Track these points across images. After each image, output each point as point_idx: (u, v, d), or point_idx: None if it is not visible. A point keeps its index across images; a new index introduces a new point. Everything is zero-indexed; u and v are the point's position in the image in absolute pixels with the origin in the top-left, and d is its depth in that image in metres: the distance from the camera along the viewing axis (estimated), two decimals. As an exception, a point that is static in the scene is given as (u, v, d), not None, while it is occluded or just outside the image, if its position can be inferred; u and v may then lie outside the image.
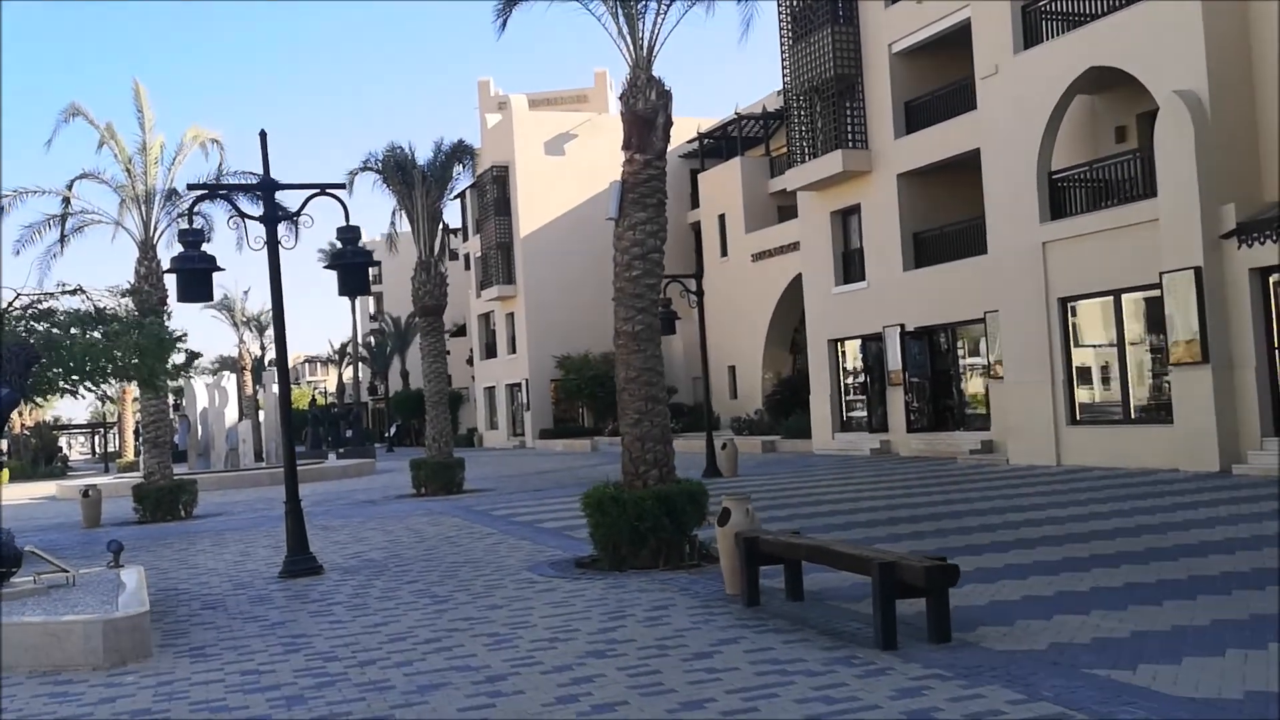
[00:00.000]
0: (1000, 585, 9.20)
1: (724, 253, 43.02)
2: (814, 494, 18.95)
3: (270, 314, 74.92)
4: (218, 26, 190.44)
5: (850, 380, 31.60)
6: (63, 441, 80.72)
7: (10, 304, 16.20)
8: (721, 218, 46.10)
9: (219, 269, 12.43)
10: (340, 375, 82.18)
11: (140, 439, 26.43)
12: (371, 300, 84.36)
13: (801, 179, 31.04)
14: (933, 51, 28.02)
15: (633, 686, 6.74)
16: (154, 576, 13.12)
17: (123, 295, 18.66)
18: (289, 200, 15.34)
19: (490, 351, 56.93)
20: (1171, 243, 18.28)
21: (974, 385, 27.37)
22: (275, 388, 41.05)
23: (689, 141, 51.46)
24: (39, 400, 21.60)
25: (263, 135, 12.91)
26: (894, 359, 28.42)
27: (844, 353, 31.70)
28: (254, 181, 12.86)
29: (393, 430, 69.27)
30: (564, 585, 10.74)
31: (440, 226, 26.19)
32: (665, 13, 11.88)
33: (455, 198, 28.96)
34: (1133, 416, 20.05)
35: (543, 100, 64.28)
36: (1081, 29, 20.71)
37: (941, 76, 27.83)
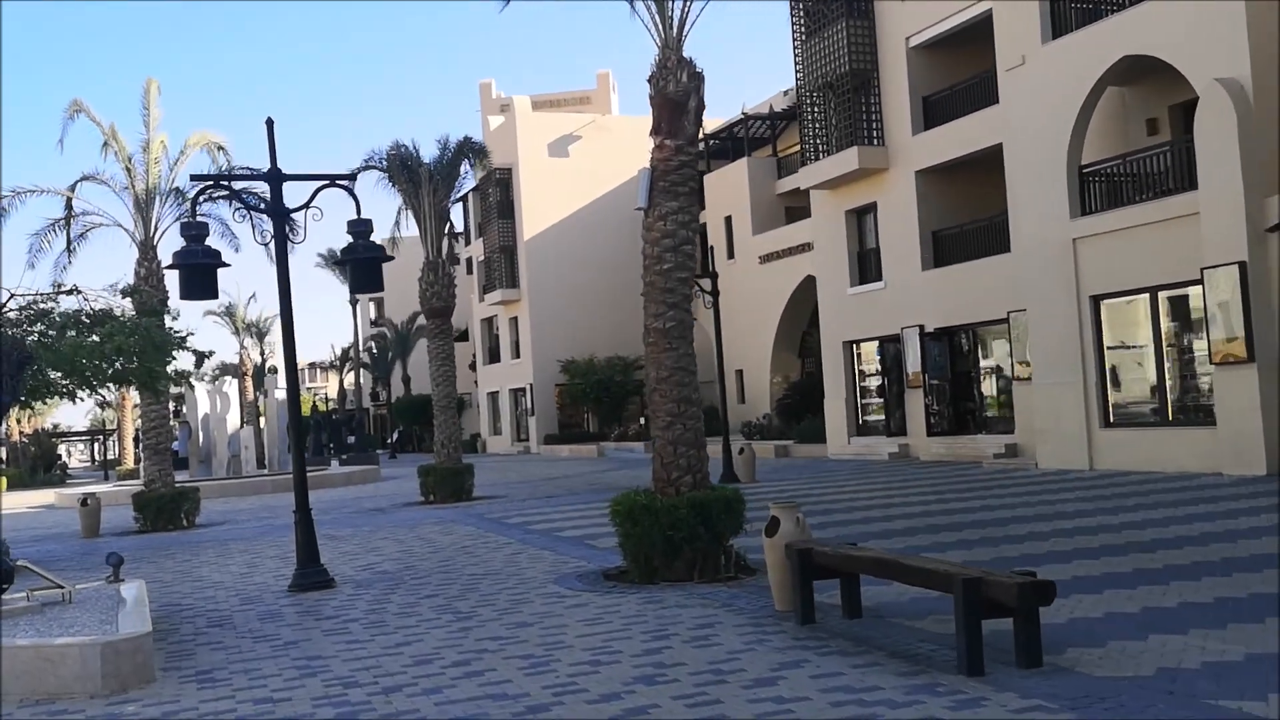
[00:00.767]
0: (1076, 600, 8.48)
1: (730, 255, 42.28)
2: (841, 500, 18.23)
3: (271, 319, 74.30)
4: (214, 30, 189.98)
5: (866, 383, 30.89)
6: (62, 449, 79.92)
7: (3, 305, 15.50)
8: (728, 219, 45.37)
9: (223, 264, 11.73)
10: (341, 381, 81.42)
11: (140, 446, 25.68)
12: (372, 305, 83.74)
13: (815, 177, 30.35)
14: (952, 45, 27.36)
15: None
16: (156, 591, 12.40)
17: (122, 295, 17.94)
18: (292, 198, 14.60)
19: (493, 356, 56.24)
20: (1213, 237, 17.58)
21: (996, 387, 26.67)
22: (279, 393, 40.37)
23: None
24: (34, 404, 20.89)
25: (269, 124, 12.21)
26: (913, 361, 27.72)
27: (860, 355, 31.00)
28: (260, 173, 12.08)
29: (395, 436, 68.50)
30: (595, 600, 10.02)
31: (447, 226, 25.50)
32: (698, -12, 11.18)
33: (460, 199, 28.26)
34: (1170, 418, 19.33)
35: (545, 102, 63.66)
36: (1114, 17, 20.03)
37: (961, 70, 27.16)
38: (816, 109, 30.47)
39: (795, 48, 30.82)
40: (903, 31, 27.83)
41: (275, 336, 77.41)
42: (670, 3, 11.15)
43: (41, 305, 16.70)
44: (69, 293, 16.83)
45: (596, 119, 54.00)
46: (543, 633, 8.69)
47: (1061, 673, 6.42)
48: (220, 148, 22.41)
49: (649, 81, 11.32)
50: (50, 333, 16.08)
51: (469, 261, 58.29)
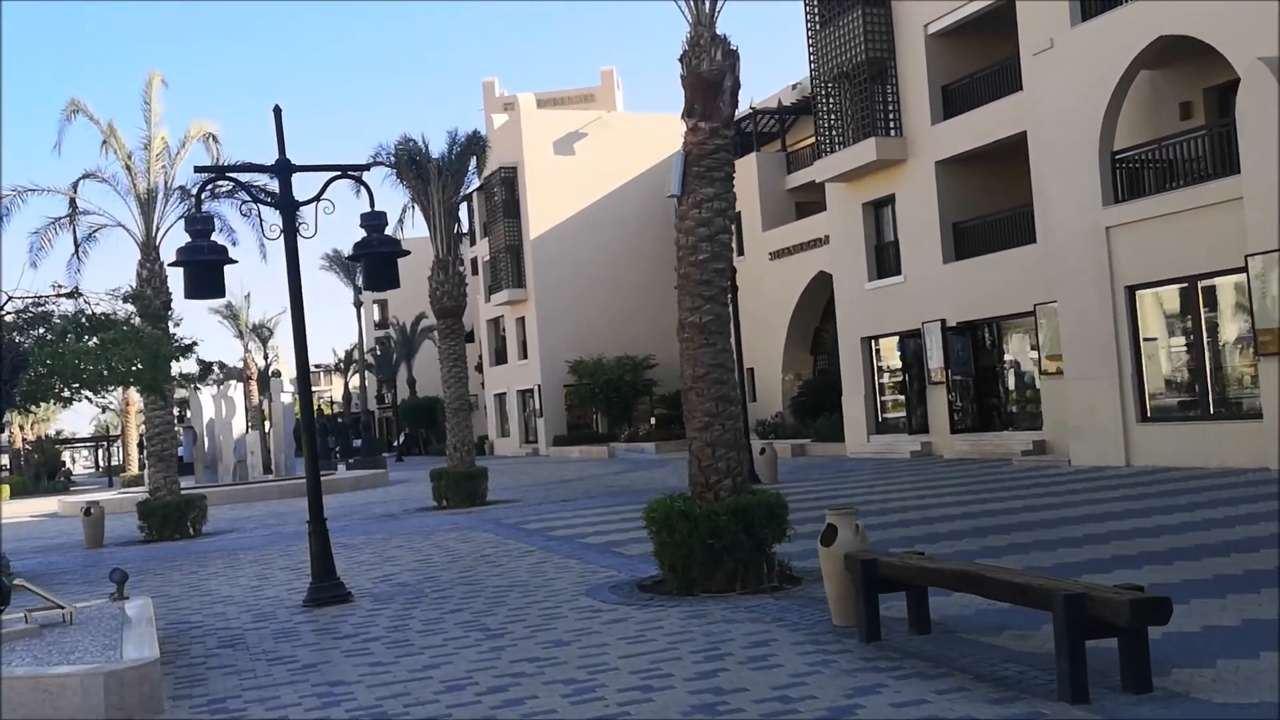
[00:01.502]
0: (1163, 611, 7.78)
1: (740, 251, 41.56)
2: (873, 502, 17.54)
3: (276, 318, 73.56)
4: (210, 29, 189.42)
5: (885, 379, 30.20)
6: (65, 456, 79.30)
7: (1, 307, 14.87)
8: (737, 215, 44.78)
9: (230, 261, 11.06)
10: (346, 384, 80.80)
11: (145, 452, 25.02)
12: (376, 307, 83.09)
13: (831, 169, 29.66)
14: (971, 31, 26.70)
15: (770, 757, 5.36)
16: (163, 607, 11.75)
17: (125, 299, 17.31)
18: (299, 193, 13.94)
19: (500, 357, 55.54)
20: (1258, 223, 16.88)
21: (1022, 382, 25.98)
22: (284, 397, 39.72)
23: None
24: (32, 408, 20.26)
25: (277, 112, 11.54)
26: (935, 356, 27.03)
27: (879, 351, 30.31)
28: (268, 164, 11.42)
29: (401, 439, 67.87)
30: (634, 614, 9.34)
31: (457, 223, 24.83)
32: (729, -36, 10.51)
33: (463, 199, 27.51)
34: (1212, 412, 18.64)
35: (549, 100, 62.99)
36: (1148, -4, 19.34)
37: (981, 58, 26.50)
38: (831, 100, 29.79)
39: (809, 37, 30.14)
40: (920, 19, 27.16)
41: (278, 340, 77.01)
42: (703, -23, 10.47)
43: (41, 308, 16.09)
44: (69, 295, 16.20)
45: (602, 115, 53.30)
46: (582, 653, 8.02)
47: (1176, 699, 5.74)
48: (213, 136, 21.75)
49: (680, 61, 10.65)
50: (50, 337, 15.47)
51: (474, 262, 57.63)
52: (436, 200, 23.41)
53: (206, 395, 37.72)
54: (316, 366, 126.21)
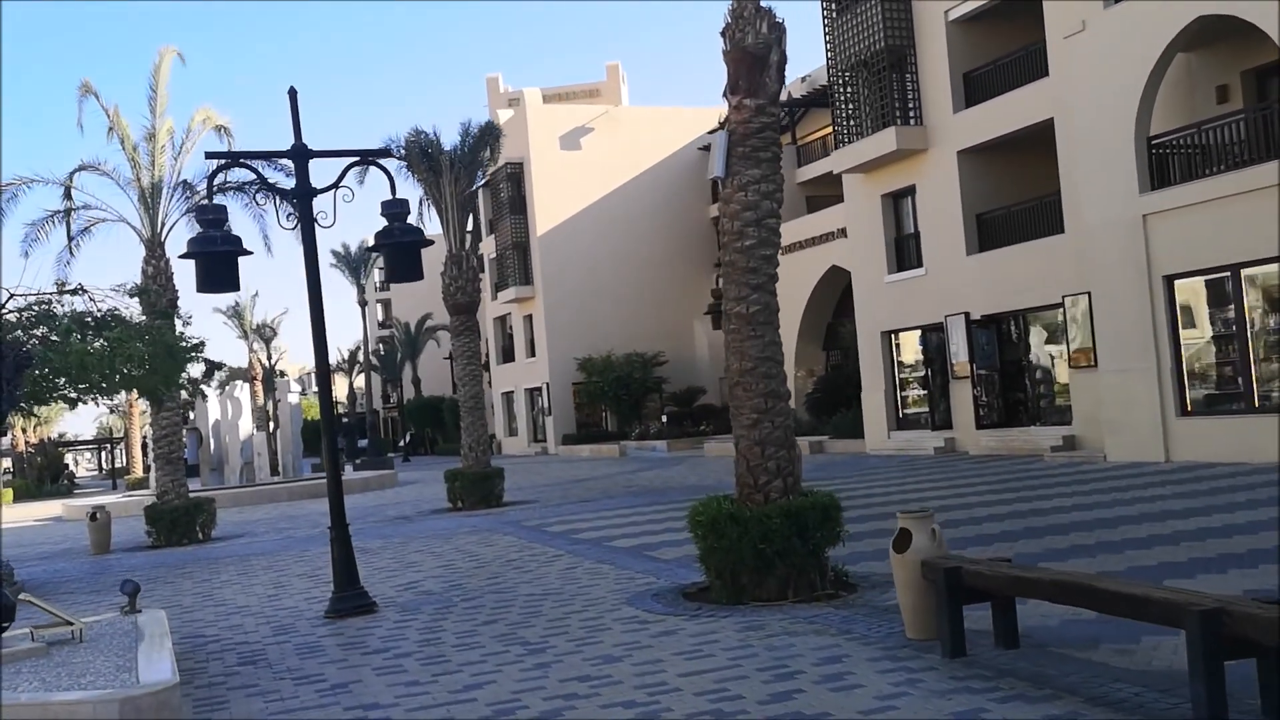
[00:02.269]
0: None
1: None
2: (909, 500, 16.92)
3: (278, 321, 72.79)
4: (208, 26, 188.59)
5: (907, 374, 29.55)
6: (68, 458, 78.70)
7: (2, 305, 14.23)
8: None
9: (245, 252, 10.42)
10: (351, 383, 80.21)
11: (151, 455, 24.37)
12: (380, 306, 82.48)
13: (850, 160, 29.00)
14: (994, 17, 26.03)
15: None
16: (177, 619, 11.12)
17: (130, 295, 16.67)
18: (316, 177, 13.30)
19: (507, 355, 54.92)
20: (1308, 208, 16.25)
21: (1051, 376, 25.33)
22: (291, 397, 39.09)
23: (710, 132, 49.30)
24: (34, 409, 19.64)
25: (292, 93, 10.91)
26: (958, 350, 26.37)
27: (899, 345, 29.65)
28: (284, 150, 10.78)
29: (407, 439, 67.26)
30: (685, 626, 8.70)
31: (469, 217, 24.18)
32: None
33: (481, 186, 26.90)
34: (1258, 405, 18.00)
35: (554, 95, 62.38)
36: (1187, -25, 18.69)
37: (1004, 44, 25.84)
38: (849, 90, 29.14)
39: (826, 25, 29.47)
40: (941, 4, 26.49)
41: (282, 340, 76.47)
42: (748, -57, 9.83)
43: (44, 306, 15.46)
44: (73, 292, 15.57)
45: (609, 110, 52.66)
46: (636, 670, 7.38)
47: (1328, 726, 5.11)
48: (224, 129, 21.06)
49: (722, 35, 10.02)
50: (54, 336, 14.83)
51: (480, 259, 56.92)
52: (449, 193, 22.77)
53: (212, 396, 37.08)
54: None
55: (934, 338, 27.67)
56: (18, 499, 48.39)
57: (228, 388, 38.67)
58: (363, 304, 67.17)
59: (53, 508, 38.69)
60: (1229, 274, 18.26)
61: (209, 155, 10.87)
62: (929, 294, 27.33)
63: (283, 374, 67.96)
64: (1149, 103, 19.35)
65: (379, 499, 29.13)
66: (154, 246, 20.75)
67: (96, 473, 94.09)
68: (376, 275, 79.68)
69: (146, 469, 50.75)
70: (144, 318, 16.65)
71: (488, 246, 55.07)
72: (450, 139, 23.44)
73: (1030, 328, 25.80)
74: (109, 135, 20.30)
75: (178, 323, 17.93)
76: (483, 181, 25.52)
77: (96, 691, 6.63)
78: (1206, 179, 18.49)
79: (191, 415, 41.76)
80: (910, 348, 29.21)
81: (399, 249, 10.80)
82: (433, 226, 24.11)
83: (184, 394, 19.18)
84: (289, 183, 14.27)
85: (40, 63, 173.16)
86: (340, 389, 78.03)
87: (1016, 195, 25.61)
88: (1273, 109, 17.85)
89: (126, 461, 64.66)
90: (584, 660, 7.82)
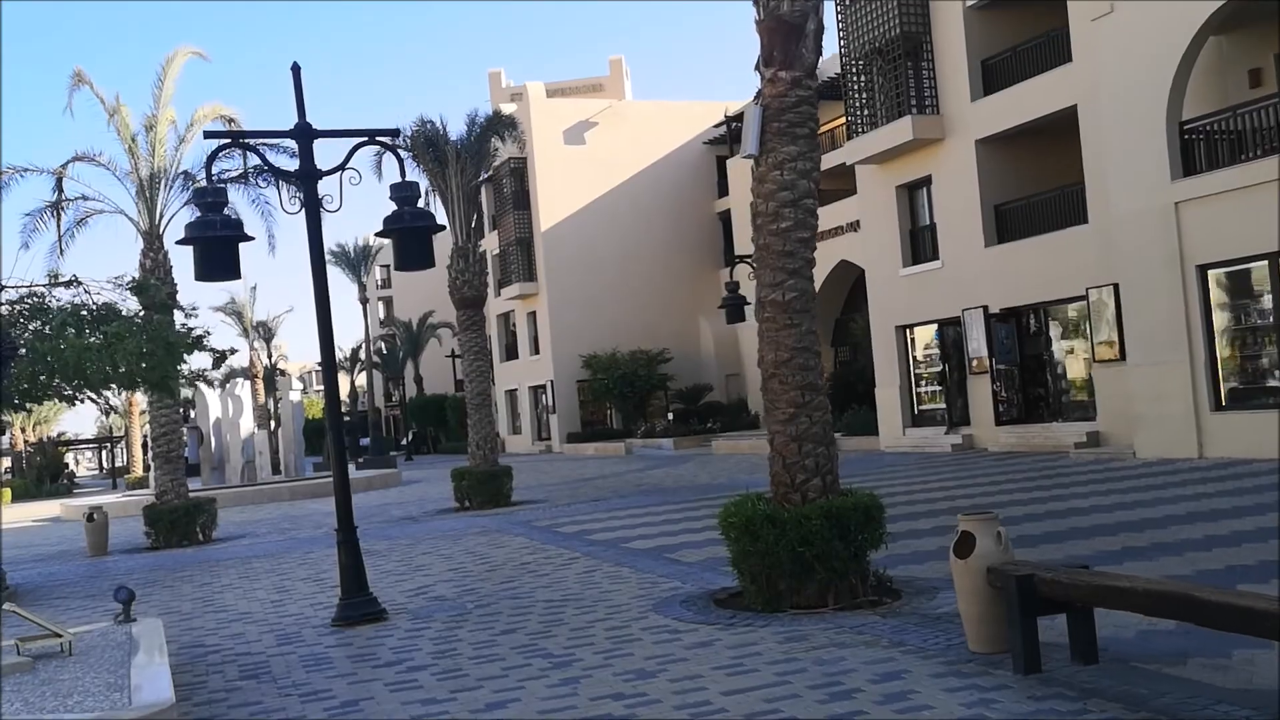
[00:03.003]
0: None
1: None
2: (934, 499, 16.30)
3: (278, 320, 72.15)
4: (209, 22, 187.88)
5: (922, 370, 28.90)
6: (68, 457, 78.08)
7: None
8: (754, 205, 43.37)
9: (247, 237, 9.80)
10: (353, 381, 79.58)
11: (150, 453, 23.74)
12: (381, 304, 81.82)
13: (864, 151, 28.34)
14: (1013, 2, 25.35)
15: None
16: (175, 626, 10.50)
17: (130, 290, 16.04)
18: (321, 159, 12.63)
19: (511, 353, 54.28)
20: (1353, 193, 15.61)
21: (1074, 370, 24.69)
22: (293, 395, 38.46)
23: (715, 126, 48.87)
24: (29, 408, 19.01)
25: (296, 70, 10.27)
26: (977, 344, 25.72)
27: (913, 340, 29.01)
28: (287, 129, 10.15)
29: (410, 437, 66.62)
30: (721, 637, 8.07)
31: (477, 209, 23.53)
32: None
33: (488, 178, 26.39)
34: (1296, 399, 17.37)
35: (557, 90, 61.74)
36: (1223, -46, 18.04)
37: (1023, 30, 25.19)
38: (863, 79, 28.49)
39: (839, 13, 28.79)
40: (958, -10, 25.84)
41: (282, 337, 75.82)
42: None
43: (36, 300, 14.83)
44: (68, 284, 14.92)
45: (613, 104, 52.06)
46: (676, 689, 6.74)
47: None
48: (231, 121, 20.38)
49: (755, 3, 9.37)
50: (48, 331, 14.20)
51: (483, 255, 56.35)
52: (455, 184, 22.11)
53: (212, 394, 36.45)
54: (321, 364, 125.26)
55: (951, 332, 27.03)
56: (16, 498, 47.77)
57: (229, 385, 37.97)
58: (364, 301, 66.53)
59: (51, 508, 38.07)
60: (1265, 262, 17.61)
61: (208, 135, 10.21)
62: (946, 287, 26.69)
63: (282, 373, 67.31)
64: (1181, 87, 18.70)
65: (383, 498, 28.50)
66: (152, 239, 20.12)
67: (97, 472, 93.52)
68: (378, 273, 79.05)
69: (146, 468, 50.14)
70: (143, 312, 16.02)
71: (490, 243, 54.40)
72: (459, 128, 22.86)
73: (1051, 321, 25.17)
74: (109, 123, 19.66)
75: (179, 315, 17.27)
76: (486, 175, 24.89)
77: (84, 715, 6.00)
78: (1241, 165, 17.85)
79: (192, 413, 41.17)
80: (925, 343, 28.58)
81: (409, 234, 10.16)
82: (438, 218, 23.46)
83: (184, 391, 18.52)
84: (293, 169, 13.68)
85: (42, 55, 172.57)
86: (342, 387, 77.38)
87: (1037, 185, 24.97)
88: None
89: (127, 460, 64.08)
90: (615, 675, 7.19)
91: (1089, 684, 5.99)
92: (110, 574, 16.36)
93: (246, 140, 10.65)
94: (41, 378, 14.37)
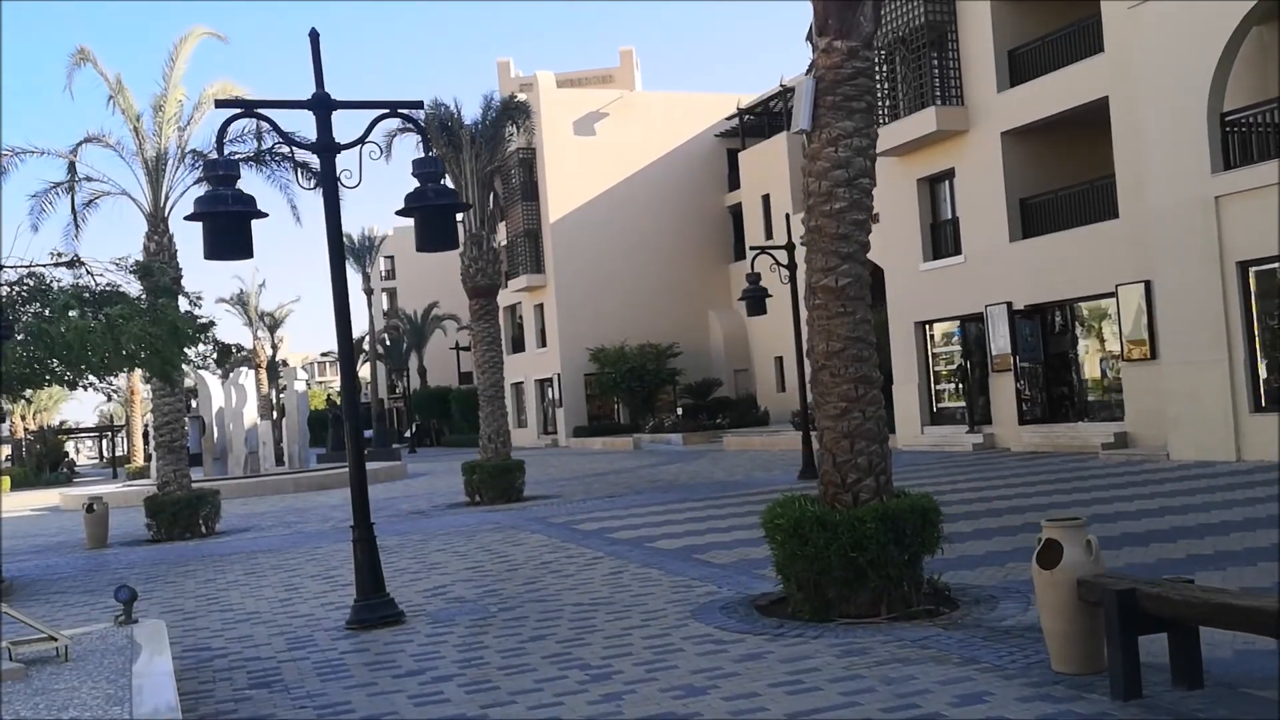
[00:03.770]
0: None
1: (768, 236, 39.66)
2: (966, 500, 15.66)
3: (285, 310, 71.53)
4: (208, 13, 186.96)
5: (942, 367, 28.28)
6: (69, 446, 77.53)
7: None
8: (765, 198, 42.77)
9: (260, 214, 9.18)
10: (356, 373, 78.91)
11: (152, 443, 23.13)
12: (385, 296, 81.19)
13: (885, 142, 27.40)
14: (1042, -10, 24.73)
15: None
16: (178, 627, 9.91)
17: (131, 271, 15.44)
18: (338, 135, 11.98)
19: (518, 345, 53.64)
20: None
21: (1101, 369, 24.06)
22: (297, 385, 37.87)
23: (727, 119, 48.26)
24: (29, 394, 18.42)
25: (314, 36, 9.64)
26: (1000, 342, 25.08)
27: (933, 337, 28.38)
28: (304, 99, 9.52)
29: (413, 429, 66.03)
30: (771, 649, 7.46)
31: (491, 196, 22.91)
32: None
33: (503, 164, 25.72)
34: (1343, 401, 16.75)
35: (566, 81, 61.01)
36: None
37: (1052, 19, 24.54)
38: (885, 69, 27.82)
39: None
40: (986, -22, 25.18)
41: (287, 329, 75.21)
42: None
43: (37, 281, 14.23)
44: (69, 264, 14.32)
45: (624, 95, 51.41)
46: (730, 708, 6.13)
47: None
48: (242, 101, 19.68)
49: (808, -31, 8.75)
50: (50, 314, 13.61)
51: (496, 245, 55.72)
52: (469, 170, 21.50)
53: (216, 383, 35.84)
54: (324, 355, 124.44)
55: (973, 329, 26.40)
56: (15, 487, 47.27)
57: (233, 375, 37.34)
58: (368, 292, 65.92)
59: (50, 497, 37.53)
60: (1311, 260, 16.99)
61: (220, 104, 9.60)
62: (968, 283, 26.06)
63: (285, 363, 66.73)
64: (1223, 77, 18.06)
65: (389, 491, 27.88)
66: (157, 221, 19.49)
67: (97, 461, 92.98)
68: (382, 264, 78.38)
69: (148, 457, 49.59)
70: (147, 296, 15.42)
71: (498, 234, 53.79)
72: (474, 112, 22.24)
73: (1078, 318, 24.54)
74: (109, 103, 19.01)
75: (184, 301, 16.66)
76: (499, 163, 24.26)
77: (80, 733, 5.40)
78: (1288, 157, 17.20)
79: (194, 402, 40.55)
80: (945, 339, 27.96)
81: (432, 213, 9.55)
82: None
83: (187, 369, 17.88)
84: (306, 152, 13.06)
85: (46, 39, 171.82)
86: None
87: (1064, 179, 24.34)
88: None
89: (128, 449, 63.48)
90: (661, 691, 6.58)
91: (1198, 712, 5.39)
92: (110, 567, 15.78)
93: (260, 111, 10.00)
94: (37, 365, 13.80)
